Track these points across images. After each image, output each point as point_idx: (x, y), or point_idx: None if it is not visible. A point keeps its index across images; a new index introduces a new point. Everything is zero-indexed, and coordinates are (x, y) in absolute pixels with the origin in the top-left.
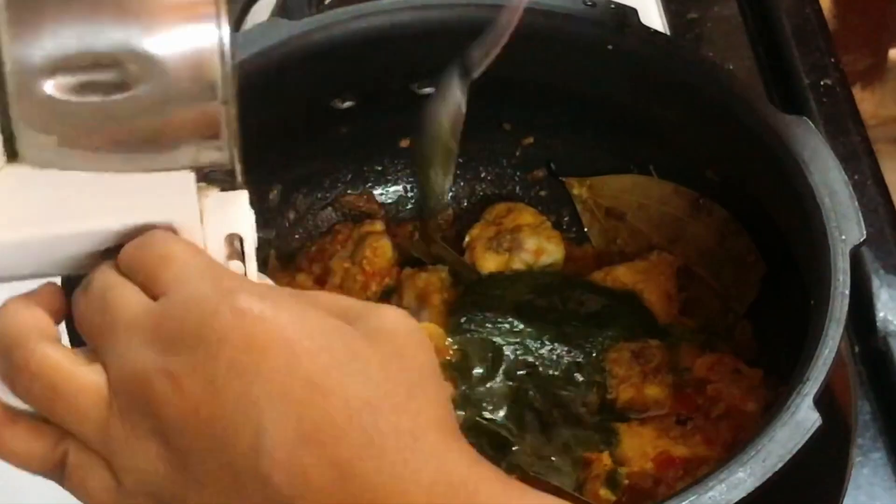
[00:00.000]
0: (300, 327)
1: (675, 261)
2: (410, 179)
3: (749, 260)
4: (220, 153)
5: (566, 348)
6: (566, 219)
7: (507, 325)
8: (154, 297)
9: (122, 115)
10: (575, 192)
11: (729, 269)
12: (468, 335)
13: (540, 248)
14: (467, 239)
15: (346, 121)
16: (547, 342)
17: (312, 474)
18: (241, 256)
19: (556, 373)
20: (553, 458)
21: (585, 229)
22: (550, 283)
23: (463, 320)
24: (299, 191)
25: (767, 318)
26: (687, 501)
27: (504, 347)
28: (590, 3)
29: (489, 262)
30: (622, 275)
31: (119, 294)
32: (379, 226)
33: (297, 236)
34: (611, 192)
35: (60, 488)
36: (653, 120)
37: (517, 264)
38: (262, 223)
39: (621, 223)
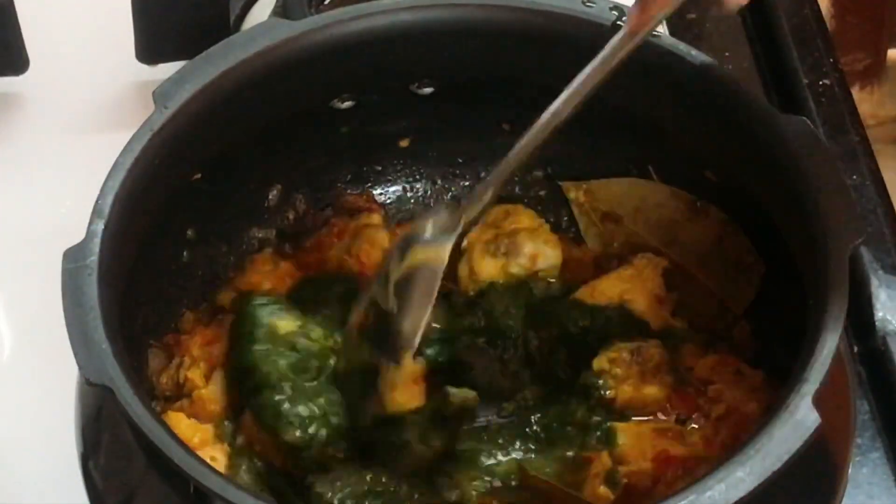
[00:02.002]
0: None
1: (659, 262)
2: (410, 179)
3: (748, 260)
4: None
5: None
6: (565, 219)
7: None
8: None
9: None
10: (571, 196)
11: (727, 270)
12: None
13: (537, 252)
14: (465, 242)
15: (346, 121)
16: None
17: None
18: None
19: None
20: (552, 458)
21: (582, 234)
22: (539, 303)
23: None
24: (299, 191)
25: (766, 318)
26: (686, 501)
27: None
28: (589, 4)
29: (487, 267)
30: (607, 288)
31: None
32: (376, 218)
33: (296, 236)
34: (607, 196)
35: (60, 488)
36: (652, 120)
37: (514, 269)
38: (262, 223)
39: (618, 227)
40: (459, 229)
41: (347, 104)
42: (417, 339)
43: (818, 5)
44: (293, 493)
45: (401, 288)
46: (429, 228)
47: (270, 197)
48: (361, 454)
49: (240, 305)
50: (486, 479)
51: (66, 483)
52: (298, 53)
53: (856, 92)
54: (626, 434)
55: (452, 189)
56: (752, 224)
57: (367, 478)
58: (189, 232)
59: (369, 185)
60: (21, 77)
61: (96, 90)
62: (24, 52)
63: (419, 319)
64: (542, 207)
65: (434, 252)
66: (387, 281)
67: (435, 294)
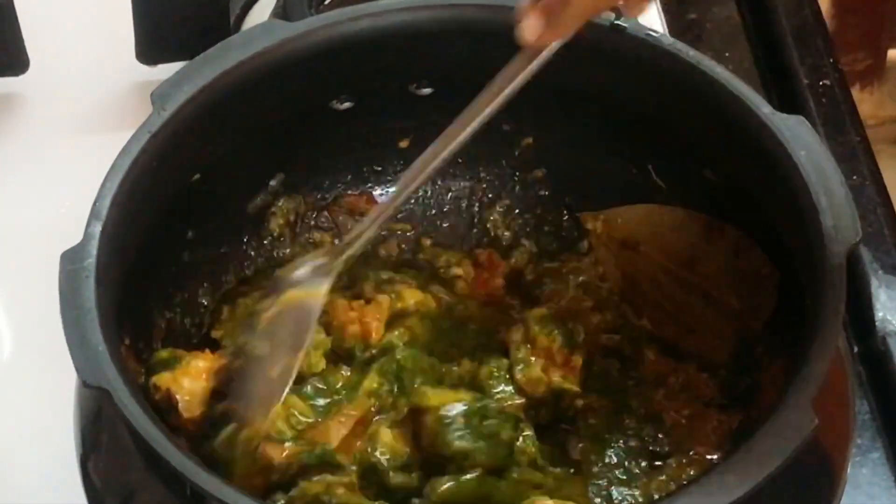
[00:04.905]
0: None
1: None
2: None
3: (763, 272)
4: None
5: None
6: (566, 219)
7: None
8: None
9: None
10: (589, 226)
11: (745, 284)
12: None
13: None
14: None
15: (346, 121)
16: None
17: None
18: None
19: None
20: None
21: (599, 263)
22: None
23: None
24: (299, 192)
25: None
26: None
27: None
28: None
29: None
30: None
31: None
32: None
33: (296, 237)
34: (624, 224)
35: (60, 488)
36: (651, 120)
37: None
38: (261, 224)
39: (636, 254)
40: (337, 270)
41: (347, 105)
42: (286, 389)
43: (818, 5)
44: None
45: (272, 332)
46: (303, 270)
47: (270, 198)
48: None
49: None
50: None
51: (65, 483)
52: (298, 54)
53: (856, 92)
54: None
55: (452, 189)
56: (751, 224)
57: None
58: (189, 233)
59: (369, 185)
60: (21, 77)
61: (96, 90)
62: (24, 52)
63: (290, 366)
64: (542, 209)
65: (307, 293)
66: (256, 325)
67: (308, 339)
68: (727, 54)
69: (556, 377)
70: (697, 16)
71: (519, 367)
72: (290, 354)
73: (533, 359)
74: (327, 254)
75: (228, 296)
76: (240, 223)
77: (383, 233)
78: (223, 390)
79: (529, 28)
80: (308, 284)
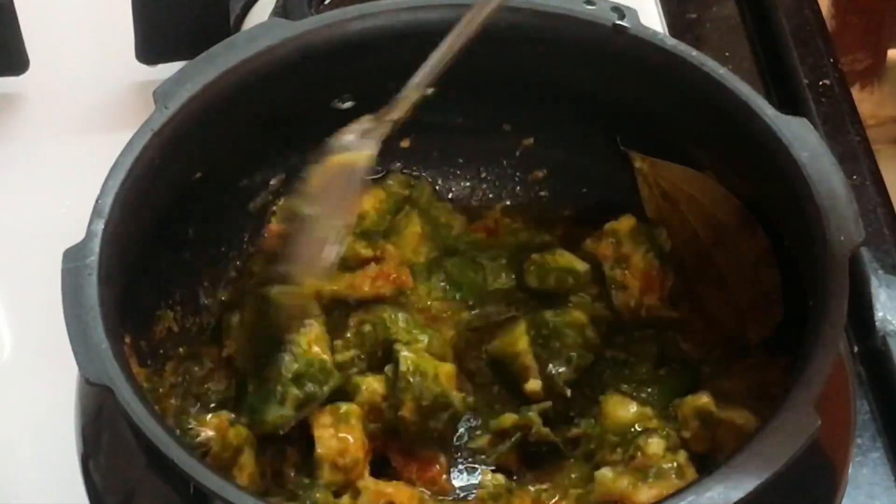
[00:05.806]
0: None
1: None
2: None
3: (773, 298)
4: None
5: None
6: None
7: None
8: None
9: None
10: (637, 165)
11: (755, 297)
12: None
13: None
14: None
15: (348, 121)
16: None
17: None
18: None
19: None
20: None
21: (643, 202)
22: None
23: None
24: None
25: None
26: (686, 502)
27: None
28: (589, 4)
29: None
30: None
31: None
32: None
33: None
34: (668, 176)
35: (60, 488)
36: (651, 120)
37: None
38: (262, 223)
39: (674, 210)
40: (383, 133)
41: (348, 104)
42: (339, 249)
43: (818, 5)
44: None
45: (321, 195)
46: (350, 135)
47: (271, 197)
48: None
49: None
50: None
51: (66, 483)
52: (298, 53)
53: (856, 92)
54: None
55: (453, 189)
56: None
57: None
58: (189, 231)
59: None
60: (21, 77)
61: (96, 90)
62: (24, 52)
63: (340, 227)
64: (544, 208)
65: (354, 156)
66: (306, 189)
67: (358, 200)
68: (727, 54)
69: (653, 302)
70: (697, 16)
71: (615, 291)
72: (339, 216)
73: (630, 283)
74: (372, 119)
75: (230, 305)
76: (241, 222)
77: None
78: (281, 253)
79: None
80: (355, 148)
